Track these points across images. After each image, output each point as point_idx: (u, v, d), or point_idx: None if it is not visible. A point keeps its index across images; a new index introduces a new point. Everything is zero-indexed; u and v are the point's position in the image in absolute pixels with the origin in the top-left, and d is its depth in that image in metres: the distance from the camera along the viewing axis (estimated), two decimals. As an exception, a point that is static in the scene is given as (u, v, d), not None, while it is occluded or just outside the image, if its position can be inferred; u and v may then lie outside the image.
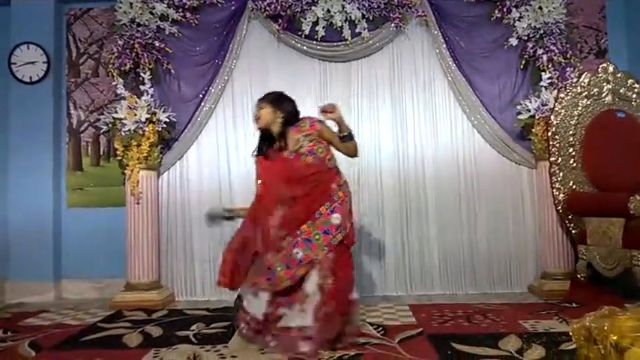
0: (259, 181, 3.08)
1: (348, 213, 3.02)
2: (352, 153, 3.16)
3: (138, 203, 4.30)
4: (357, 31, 4.46)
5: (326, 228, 2.92)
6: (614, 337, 1.46)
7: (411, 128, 4.59)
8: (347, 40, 4.46)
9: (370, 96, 4.60)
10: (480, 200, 4.53)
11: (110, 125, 4.34)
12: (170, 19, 4.46)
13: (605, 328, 1.50)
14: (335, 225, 2.93)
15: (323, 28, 4.44)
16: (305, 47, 4.52)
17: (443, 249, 4.52)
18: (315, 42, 4.48)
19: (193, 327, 3.49)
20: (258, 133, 3.15)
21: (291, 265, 2.88)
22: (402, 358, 2.75)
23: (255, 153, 3.15)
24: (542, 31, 4.32)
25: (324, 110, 3.02)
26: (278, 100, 3.08)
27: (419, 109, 4.60)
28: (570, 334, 1.68)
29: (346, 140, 3.07)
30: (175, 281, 4.56)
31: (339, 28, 4.45)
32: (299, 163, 3.00)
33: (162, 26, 4.44)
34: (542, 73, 4.31)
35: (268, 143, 3.10)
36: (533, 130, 4.29)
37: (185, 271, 4.56)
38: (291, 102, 3.12)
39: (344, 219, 2.97)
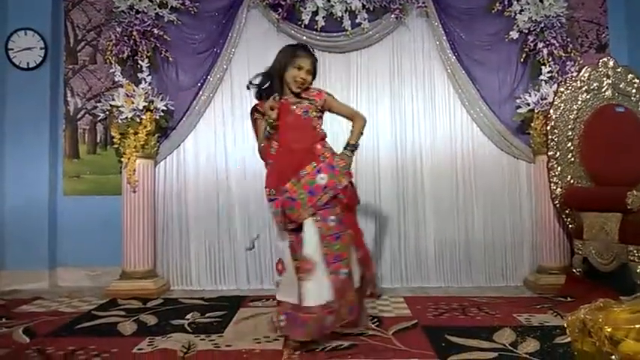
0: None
1: (339, 173, 2.88)
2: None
3: (134, 192, 4.28)
4: (357, 21, 4.44)
5: (311, 188, 2.80)
6: (609, 330, 1.45)
7: (410, 120, 4.57)
8: (347, 30, 4.43)
9: (369, 87, 4.58)
10: (477, 193, 4.52)
11: (107, 113, 4.32)
12: (169, 7, 4.43)
13: (600, 320, 1.50)
14: (321, 185, 2.81)
15: (323, 18, 4.41)
16: (304, 37, 4.49)
17: (439, 242, 4.51)
18: (314, 32, 4.46)
19: (188, 316, 3.49)
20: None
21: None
22: (397, 349, 2.75)
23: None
24: (542, 25, 4.29)
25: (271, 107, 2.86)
26: (315, 66, 3.04)
27: (418, 100, 4.58)
28: (565, 326, 1.67)
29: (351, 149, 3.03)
30: (171, 270, 4.55)
31: (339, 19, 4.42)
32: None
33: (160, 13, 4.41)
34: (543, 67, 4.29)
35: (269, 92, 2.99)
36: (532, 124, 4.27)
37: (180, 260, 4.55)
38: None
39: (331, 179, 2.84)
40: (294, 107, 2.94)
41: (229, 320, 3.38)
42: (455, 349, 2.71)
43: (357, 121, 3.07)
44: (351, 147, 3.01)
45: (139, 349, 2.80)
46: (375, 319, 3.30)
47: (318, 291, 2.71)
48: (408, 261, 4.50)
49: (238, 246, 4.52)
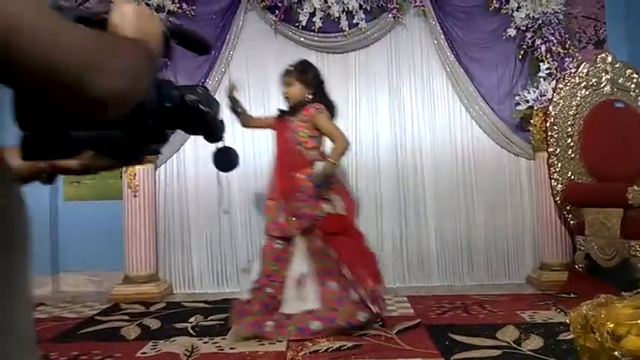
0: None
1: (317, 202, 3.04)
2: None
3: (135, 196, 4.29)
4: (354, 21, 4.43)
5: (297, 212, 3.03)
6: (611, 325, 1.45)
7: (409, 119, 4.57)
8: (344, 31, 4.43)
9: (368, 87, 4.58)
10: (478, 191, 4.52)
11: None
12: (166, 10, 4.42)
13: (602, 316, 1.50)
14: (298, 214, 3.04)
15: (320, 19, 4.41)
16: (302, 38, 4.49)
17: (441, 240, 4.51)
18: (312, 33, 4.46)
19: (191, 319, 3.49)
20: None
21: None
22: (400, 348, 2.75)
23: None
24: (540, 22, 4.29)
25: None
26: (306, 73, 3.08)
27: (417, 99, 4.58)
28: (568, 322, 1.67)
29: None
30: (173, 274, 4.54)
31: (336, 19, 4.42)
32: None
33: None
34: (541, 64, 4.29)
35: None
36: (532, 120, 4.27)
37: (183, 263, 4.55)
38: (318, 74, 3.14)
39: (304, 209, 3.01)
40: (289, 124, 3.09)
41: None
42: (458, 347, 2.71)
43: (337, 142, 3.08)
44: (329, 164, 3.05)
45: (143, 354, 2.80)
46: (379, 319, 3.30)
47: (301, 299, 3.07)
48: (409, 260, 4.50)
49: (240, 249, 4.53)
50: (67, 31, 0.53)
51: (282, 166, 3.08)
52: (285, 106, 3.22)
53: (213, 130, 0.86)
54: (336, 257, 2.99)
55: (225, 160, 0.93)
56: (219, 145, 0.91)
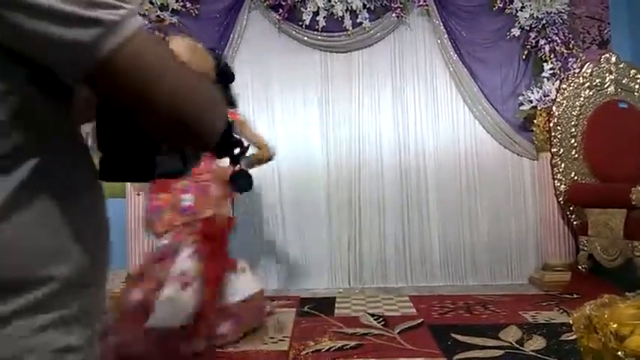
0: None
1: (211, 199, 2.81)
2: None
3: (138, 194, 4.29)
4: (358, 21, 4.43)
5: (174, 204, 2.79)
6: (614, 326, 1.45)
7: (412, 119, 4.56)
8: (348, 30, 4.43)
9: (371, 87, 4.58)
10: (481, 191, 4.51)
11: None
12: (170, 9, 4.43)
13: (605, 316, 1.50)
14: (183, 206, 2.79)
15: (324, 18, 4.41)
16: (306, 38, 4.49)
17: (443, 240, 4.50)
18: (315, 32, 4.46)
19: (194, 317, 3.49)
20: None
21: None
22: (402, 348, 2.75)
23: None
24: (544, 21, 4.28)
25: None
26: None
27: (420, 99, 4.57)
28: (571, 323, 1.67)
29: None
30: (176, 272, 4.54)
31: (340, 18, 4.42)
32: None
33: (162, 16, 4.41)
34: (545, 64, 4.28)
35: None
36: (535, 121, 4.26)
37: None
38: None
39: (198, 202, 2.78)
40: None
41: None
42: (461, 347, 2.71)
43: (264, 150, 3.03)
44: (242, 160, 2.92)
45: (146, 352, 2.80)
46: (381, 319, 3.30)
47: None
48: (412, 260, 4.49)
49: (240, 245, 4.52)
50: (192, 79, 0.64)
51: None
52: None
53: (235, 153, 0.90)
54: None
55: (245, 182, 0.98)
56: (237, 168, 0.96)
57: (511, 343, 2.76)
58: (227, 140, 0.81)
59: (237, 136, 0.85)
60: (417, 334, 2.99)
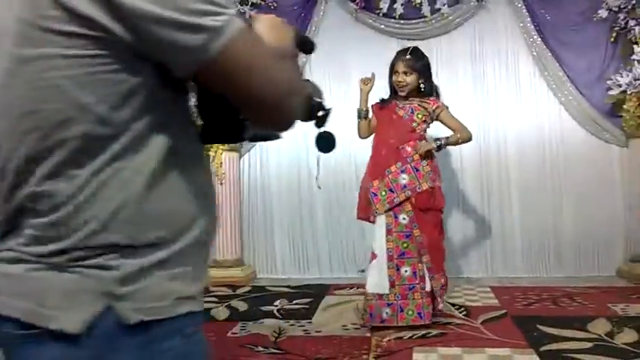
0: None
1: (422, 177, 3.01)
2: None
3: (221, 184, 4.44)
4: (436, 7, 4.37)
5: (392, 186, 2.99)
6: None
7: (494, 107, 4.46)
8: (426, 16, 4.38)
9: (450, 74, 4.49)
10: (567, 180, 4.36)
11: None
12: (250, 3, 4.54)
13: None
14: (401, 185, 2.98)
15: (401, 5, 4.38)
16: (382, 26, 4.48)
17: (526, 230, 4.39)
18: (393, 20, 4.44)
19: (276, 302, 3.61)
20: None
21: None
22: (487, 338, 2.73)
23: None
24: (634, 1, 4.07)
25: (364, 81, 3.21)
26: (427, 70, 3.16)
27: (502, 85, 4.46)
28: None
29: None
30: (257, 259, 4.69)
31: (418, 5, 4.38)
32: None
33: (242, 10, 4.52)
34: (635, 46, 4.07)
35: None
36: (625, 106, 4.07)
37: (266, 249, 4.69)
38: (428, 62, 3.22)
39: (412, 180, 2.99)
40: (399, 107, 3.10)
41: (316, 307, 3.46)
42: (548, 338, 2.66)
43: (462, 133, 3.13)
44: (439, 141, 3.07)
45: (233, 334, 2.93)
46: (463, 309, 3.28)
47: (377, 281, 2.92)
48: (493, 250, 4.42)
49: (321, 235, 4.60)
50: (281, 69, 0.75)
51: (388, 141, 3.07)
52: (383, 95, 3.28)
53: (321, 117, 0.96)
54: (419, 240, 2.96)
55: (326, 143, 1.03)
56: (321, 130, 1.00)
57: (600, 335, 2.69)
58: (310, 106, 0.91)
59: (319, 100, 0.94)
60: (500, 324, 2.96)
